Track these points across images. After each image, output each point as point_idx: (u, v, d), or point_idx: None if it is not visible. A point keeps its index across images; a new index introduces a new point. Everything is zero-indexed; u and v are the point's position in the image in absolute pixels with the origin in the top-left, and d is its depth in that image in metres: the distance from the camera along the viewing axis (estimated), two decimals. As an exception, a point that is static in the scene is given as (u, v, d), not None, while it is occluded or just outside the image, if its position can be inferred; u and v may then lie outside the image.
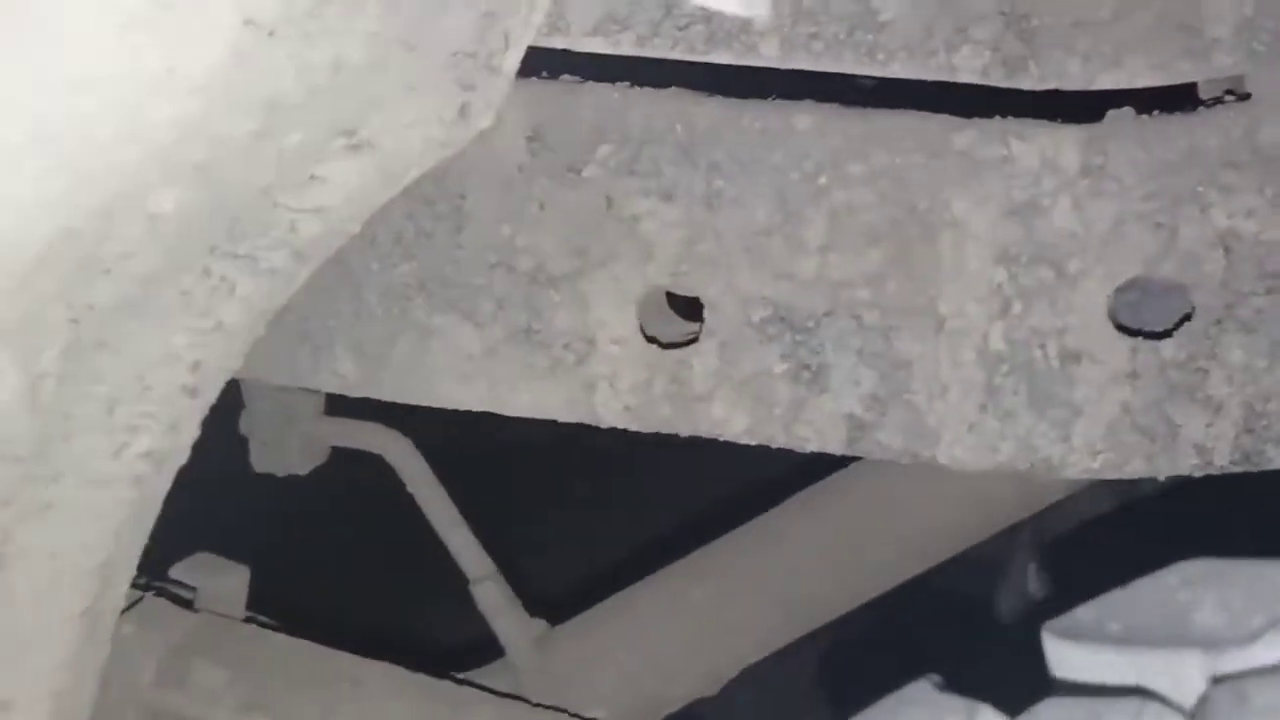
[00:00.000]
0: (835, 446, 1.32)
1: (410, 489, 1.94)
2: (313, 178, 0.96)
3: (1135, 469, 1.27)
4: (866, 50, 1.19)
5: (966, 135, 1.24)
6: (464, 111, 0.94)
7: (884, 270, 1.27)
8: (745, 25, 1.15)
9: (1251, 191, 1.19)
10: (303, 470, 1.91)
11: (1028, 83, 1.18)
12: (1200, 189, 1.19)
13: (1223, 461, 1.22)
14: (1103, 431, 1.25)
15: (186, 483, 1.14)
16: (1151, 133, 1.21)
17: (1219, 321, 1.21)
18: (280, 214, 0.97)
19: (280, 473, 1.94)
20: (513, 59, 1.03)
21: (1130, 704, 1.05)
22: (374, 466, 1.96)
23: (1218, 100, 1.20)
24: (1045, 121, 1.23)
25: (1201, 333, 1.21)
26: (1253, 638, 1.06)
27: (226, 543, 1.82)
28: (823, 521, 1.91)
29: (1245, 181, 1.18)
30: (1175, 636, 1.11)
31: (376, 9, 0.89)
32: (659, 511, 2.29)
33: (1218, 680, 1.03)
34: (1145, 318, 1.24)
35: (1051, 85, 1.19)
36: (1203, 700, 1.03)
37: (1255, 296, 1.20)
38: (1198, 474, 1.24)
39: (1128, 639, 1.14)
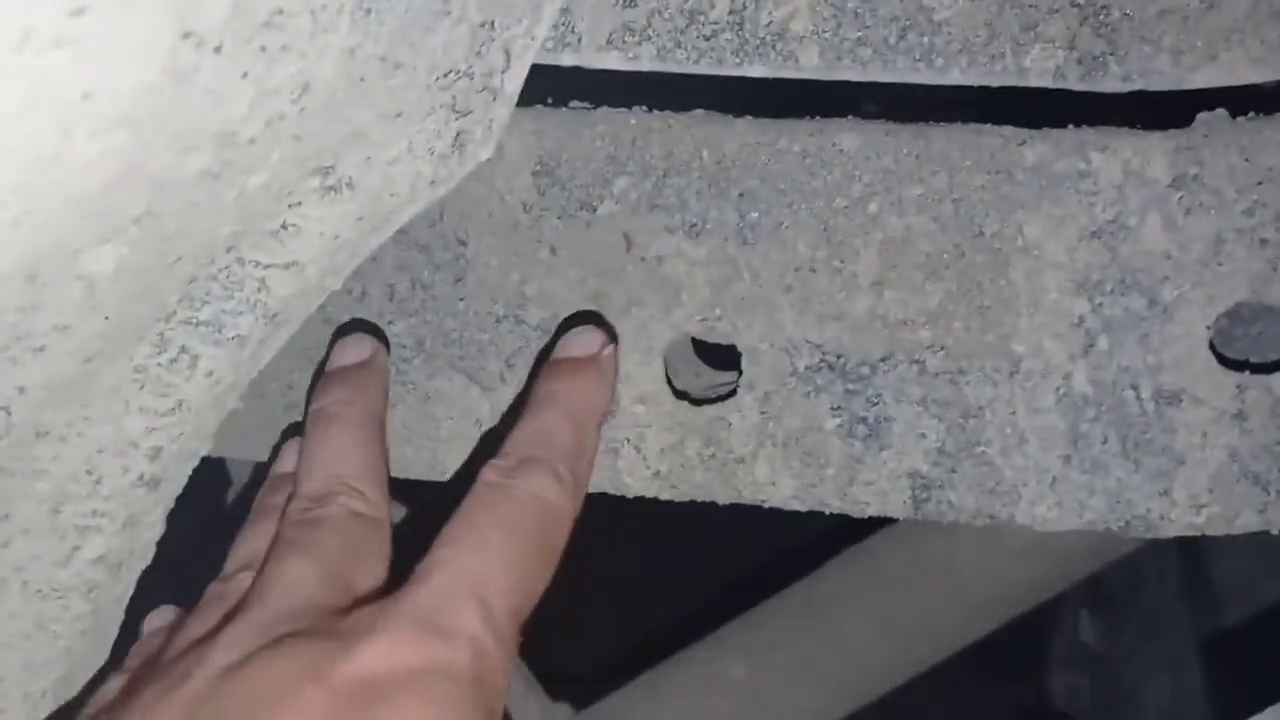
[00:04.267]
0: (899, 510, 1.17)
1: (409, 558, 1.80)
2: (283, 226, 0.82)
3: (1246, 523, 1.12)
4: (921, 55, 1.05)
5: (1037, 149, 1.09)
6: (459, 142, 0.80)
7: (948, 307, 1.12)
8: (781, 31, 1.02)
9: (1374, 199, 1.05)
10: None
11: (1110, 84, 1.04)
12: None
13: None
14: (1208, 482, 1.10)
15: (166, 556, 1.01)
16: (1253, 137, 1.05)
17: (1341, 350, 1.07)
18: (247, 270, 0.83)
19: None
20: (515, 78, 0.89)
21: None
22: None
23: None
24: (1129, 129, 1.10)
25: None
26: None
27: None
28: (874, 583, 1.76)
29: None
30: None
31: (351, 20, 0.76)
32: (695, 572, 2.14)
33: None
34: (1253, 349, 1.10)
35: (1138, 86, 1.03)
36: None
37: (1381, 320, 1.06)
38: (1328, 524, 1.10)
39: None
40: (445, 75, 0.79)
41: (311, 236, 0.79)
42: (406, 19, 0.77)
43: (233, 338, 0.81)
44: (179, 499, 1.01)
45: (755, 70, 1.01)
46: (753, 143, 1.10)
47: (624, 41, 1.01)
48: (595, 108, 1.13)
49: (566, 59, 0.99)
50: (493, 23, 0.81)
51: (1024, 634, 2.16)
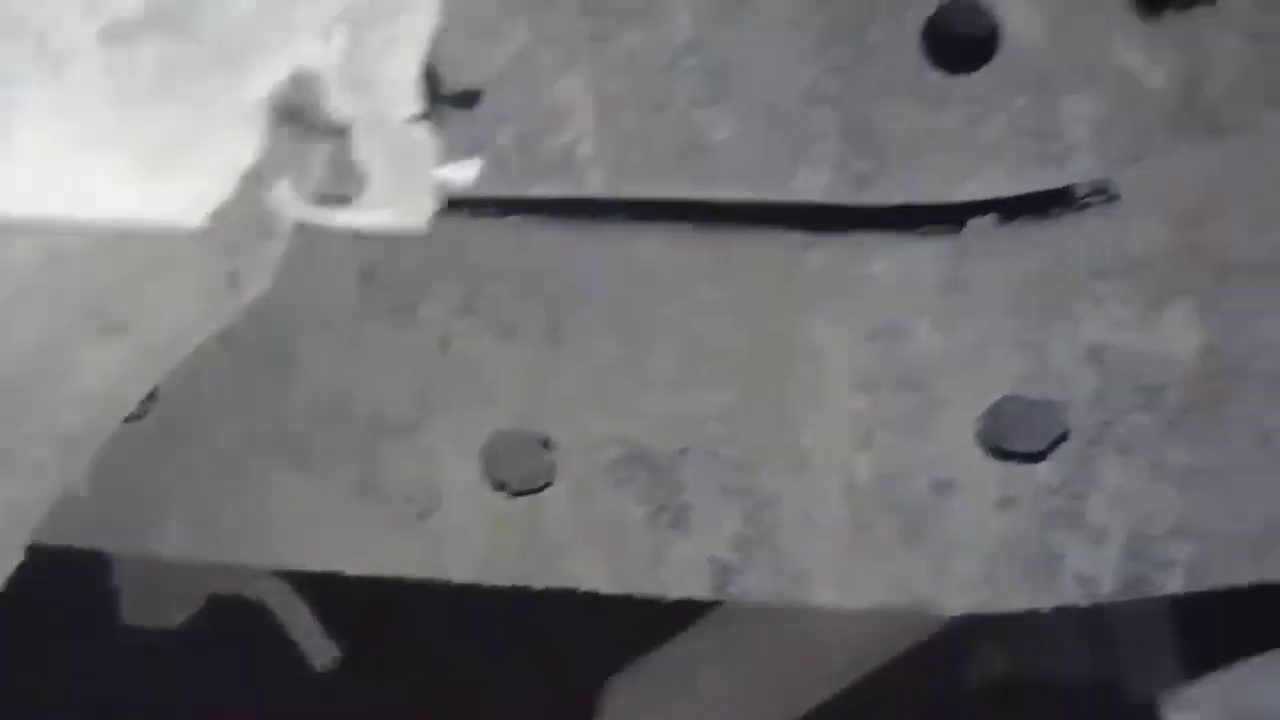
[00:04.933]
0: (703, 592, 1.24)
1: (294, 638, 1.85)
2: (68, 364, 0.88)
3: (1017, 603, 1.19)
4: (700, 175, 1.12)
5: (820, 254, 1.16)
6: (233, 281, 0.87)
7: (741, 403, 1.19)
8: (568, 155, 1.09)
9: (1122, 302, 1.13)
10: (174, 621, 1.82)
11: (878, 198, 1.13)
12: (1067, 302, 1.14)
13: (1108, 590, 1.15)
14: (980, 565, 1.17)
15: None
16: (1014, 244, 1.13)
17: (1095, 442, 1.12)
18: (35, 404, 0.90)
19: (152, 624, 1.85)
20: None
21: None
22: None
23: (1083, 204, 1.15)
24: (905, 235, 1.18)
25: (1077, 455, 1.13)
26: None
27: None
28: (734, 643, 1.82)
29: (1115, 291, 1.11)
30: None
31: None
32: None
33: None
34: (1018, 441, 1.18)
35: (902, 200, 1.13)
36: None
37: (1131, 414, 1.12)
38: (1083, 604, 1.18)
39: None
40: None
41: (95, 373, 0.85)
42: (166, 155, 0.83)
43: (29, 467, 0.87)
44: None
45: (543, 191, 1.08)
46: (561, 248, 1.17)
47: (411, 171, 1.07)
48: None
49: (354, 191, 1.06)
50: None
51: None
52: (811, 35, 1.04)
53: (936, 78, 1.05)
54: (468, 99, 1.05)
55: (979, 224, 1.12)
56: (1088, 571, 1.12)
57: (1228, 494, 1.08)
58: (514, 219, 1.17)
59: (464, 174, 0.80)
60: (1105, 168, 1.04)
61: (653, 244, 1.15)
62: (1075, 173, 1.04)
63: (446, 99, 1.01)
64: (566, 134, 1.06)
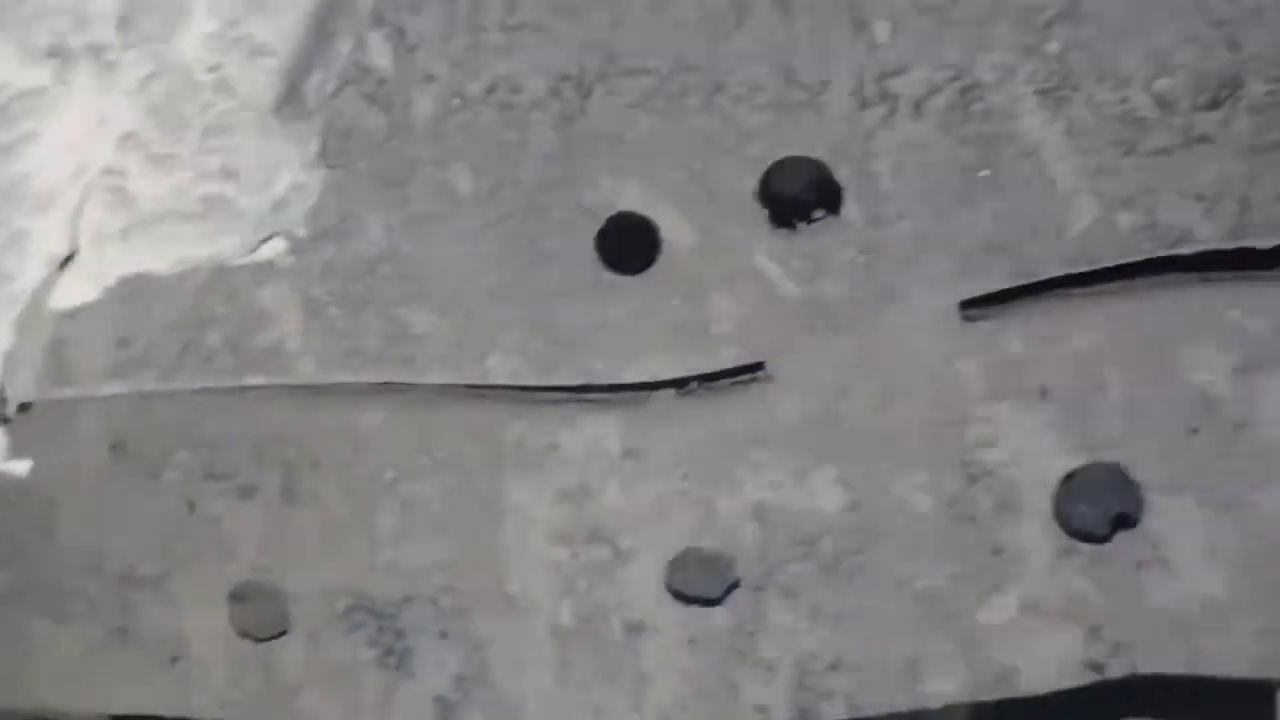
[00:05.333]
0: (426, 727, 1.37)
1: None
2: None
3: None
4: (404, 361, 1.26)
5: (519, 426, 1.28)
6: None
7: (455, 556, 1.30)
8: (276, 349, 1.22)
9: (776, 466, 1.28)
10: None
11: (560, 380, 1.27)
12: (730, 466, 1.28)
13: (782, 719, 1.30)
14: (670, 698, 1.31)
15: None
16: (684, 415, 1.28)
17: (761, 588, 1.27)
18: None
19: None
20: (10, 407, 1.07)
21: None
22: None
23: (748, 378, 1.30)
24: (593, 406, 1.32)
25: (747, 599, 1.28)
26: None
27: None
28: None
29: (771, 457, 1.27)
30: None
31: None
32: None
33: None
34: (698, 587, 1.32)
35: (580, 382, 1.27)
36: None
37: (791, 563, 1.27)
38: (763, 730, 1.32)
39: None
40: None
41: None
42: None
43: None
44: None
45: (256, 380, 1.21)
46: (292, 417, 1.29)
47: (124, 372, 1.20)
48: (163, 390, 1.32)
49: (67, 392, 1.18)
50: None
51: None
52: (494, 245, 1.18)
53: (608, 278, 1.20)
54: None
55: (661, 396, 1.27)
56: (764, 702, 1.26)
57: (874, 632, 1.22)
58: (250, 391, 1.30)
59: (18, 469, 0.93)
60: (751, 355, 1.19)
61: (374, 416, 1.28)
62: (725, 360, 1.19)
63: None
64: (273, 333, 1.19)
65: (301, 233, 1.09)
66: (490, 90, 1.15)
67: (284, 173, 0.98)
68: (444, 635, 1.30)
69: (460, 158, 1.15)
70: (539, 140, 1.16)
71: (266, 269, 1.14)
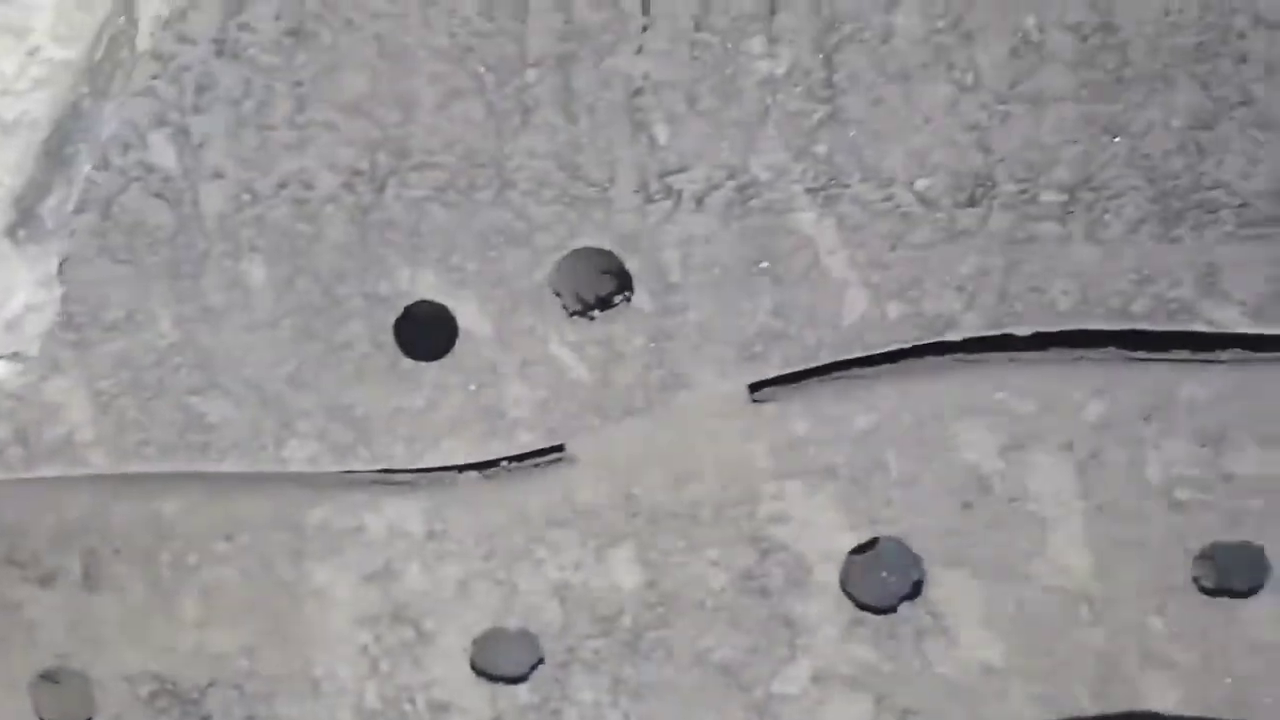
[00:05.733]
0: (237, 805, 1.38)
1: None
2: None
3: None
4: (200, 450, 1.26)
5: (321, 510, 1.29)
6: None
7: (258, 641, 1.30)
8: (67, 441, 1.22)
9: (576, 546, 1.31)
10: None
11: (359, 465, 1.29)
12: (531, 546, 1.31)
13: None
14: None
15: None
16: (486, 497, 1.31)
17: (565, 665, 1.30)
18: None
19: None
20: None
21: None
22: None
23: (550, 459, 1.33)
24: (396, 489, 1.33)
25: (551, 676, 1.31)
26: None
27: None
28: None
29: (570, 537, 1.31)
30: None
31: None
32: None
33: None
34: (502, 666, 1.35)
35: (381, 466, 1.30)
36: None
37: (593, 640, 1.30)
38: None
39: None
40: None
41: None
42: None
43: None
44: None
45: (49, 472, 1.21)
46: (91, 505, 1.29)
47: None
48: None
49: None
50: None
51: None
52: (289, 334, 1.20)
53: (406, 365, 1.22)
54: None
55: (467, 478, 1.30)
56: (555, 779, 1.29)
57: (674, 703, 1.26)
58: (48, 479, 1.29)
59: None
60: (547, 440, 1.22)
61: (175, 503, 1.28)
62: (522, 444, 1.22)
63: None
64: (63, 426, 1.19)
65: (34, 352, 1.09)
66: (282, 186, 1.17)
67: (18, 293, 0.99)
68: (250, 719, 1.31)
69: (253, 250, 1.17)
70: (334, 232, 1.18)
71: (50, 364, 1.14)
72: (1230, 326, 1.13)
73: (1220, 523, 1.19)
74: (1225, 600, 1.21)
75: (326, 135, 1.15)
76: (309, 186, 1.16)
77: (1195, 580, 1.21)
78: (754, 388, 1.23)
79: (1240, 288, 1.13)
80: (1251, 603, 1.21)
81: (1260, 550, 1.20)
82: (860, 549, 1.27)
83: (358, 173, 1.16)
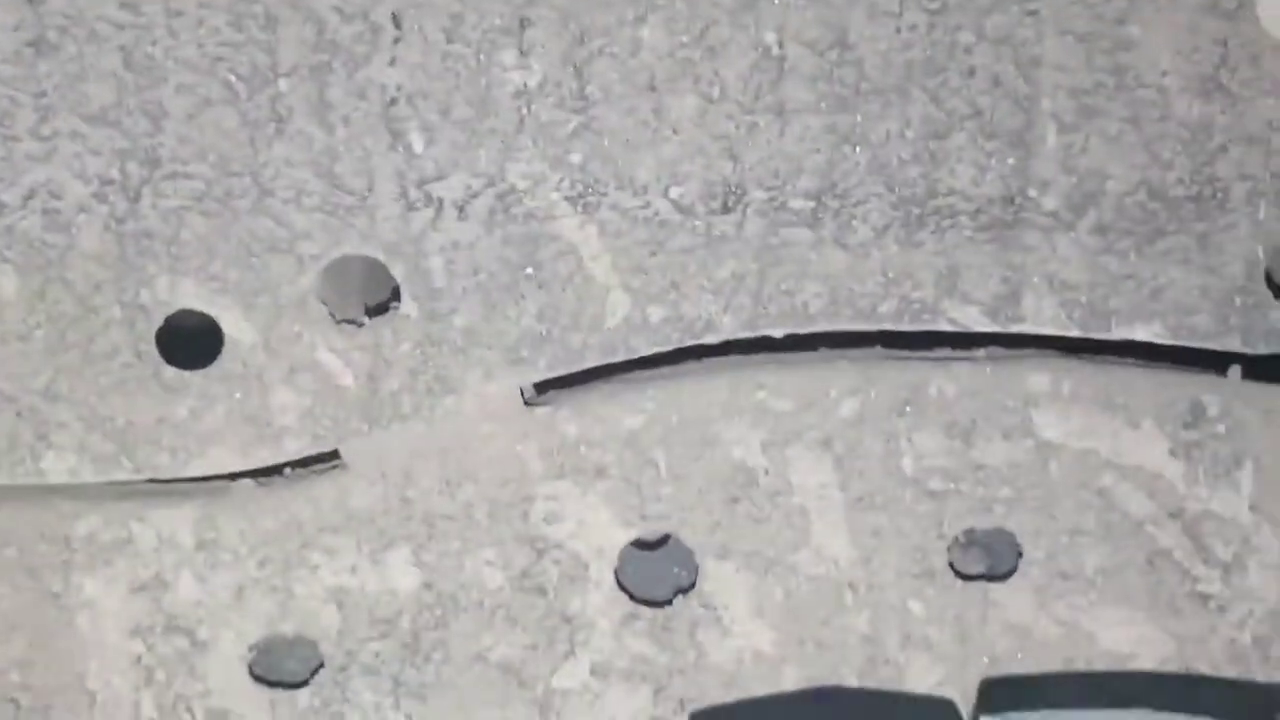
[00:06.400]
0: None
1: None
2: None
3: None
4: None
5: (88, 522, 1.26)
6: None
7: (31, 655, 1.29)
8: None
9: (351, 550, 1.33)
10: None
11: (120, 475, 1.27)
12: (306, 552, 1.31)
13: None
14: None
15: None
16: (256, 505, 1.29)
17: (344, 668, 1.31)
18: None
19: None
20: None
21: None
22: None
23: (324, 467, 1.34)
24: (164, 500, 1.30)
25: (332, 679, 1.31)
26: None
27: None
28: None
29: (344, 542, 1.31)
30: None
31: None
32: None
33: None
34: (282, 672, 1.36)
35: (146, 477, 1.27)
36: None
37: (372, 643, 1.32)
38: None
39: None
40: None
41: None
42: None
43: None
44: None
45: None
46: None
47: None
48: None
49: None
50: None
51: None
52: (44, 345, 1.19)
53: (170, 375, 1.22)
54: None
55: (240, 486, 1.30)
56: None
57: (456, 703, 1.28)
58: None
59: None
60: (315, 446, 1.23)
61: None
62: (290, 451, 1.22)
63: None
64: None
65: None
66: (29, 197, 1.16)
67: None
68: (26, 737, 1.30)
69: (3, 261, 1.15)
70: (88, 242, 1.17)
71: None
72: (970, 325, 1.19)
73: (972, 510, 1.26)
74: (980, 584, 1.28)
75: (73, 145, 1.14)
76: (58, 196, 1.15)
77: (951, 566, 1.27)
78: (541, 390, 1.27)
79: (978, 288, 1.19)
80: (1004, 586, 1.28)
81: (1012, 536, 1.28)
82: (651, 545, 1.31)
83: (109, 182, 1.15)
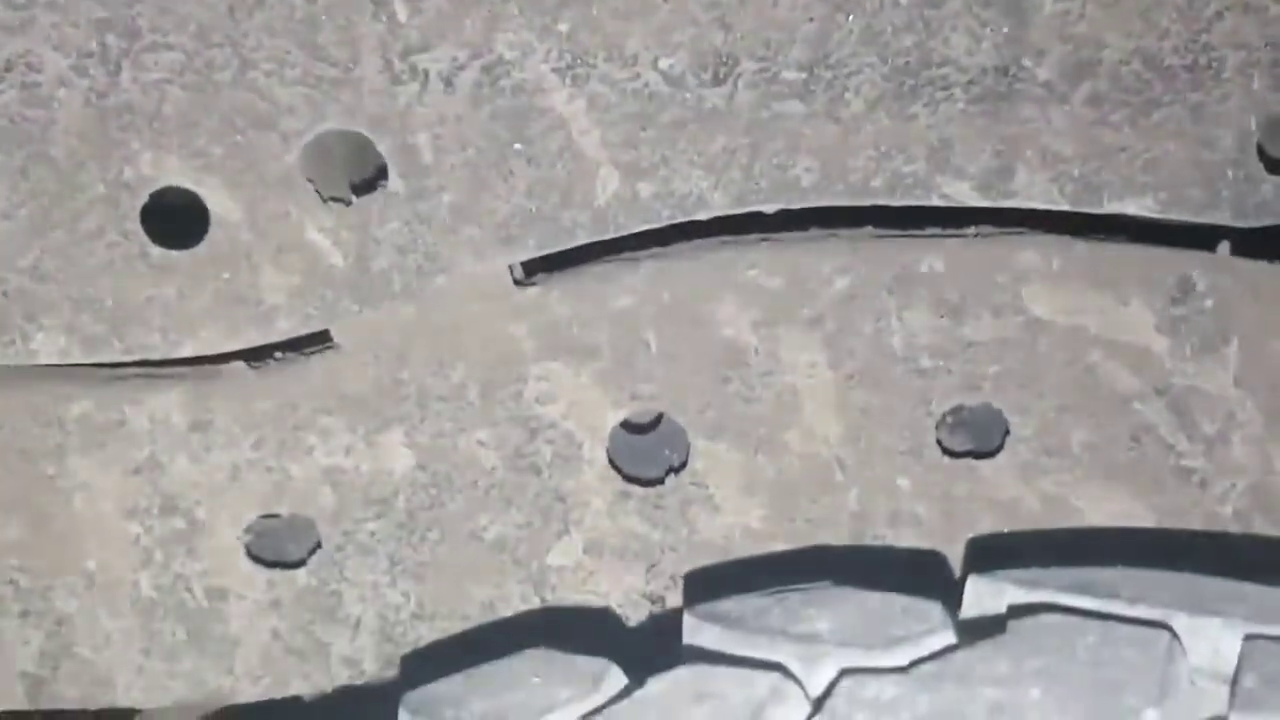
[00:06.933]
0: (18, 703, 1.33)
1: None
2: None
3: (297, 688, 1.30)
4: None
5: (82, 404, 1.19)
6: None
7: (28, 537, 1.24)
8: None
9: (345, 431, 1.26)
10: None
11: (110, 356, 1.19)
12: (300, 434, 1.24)
13: (370, 670, 1.32)
14: (259, 658, 1.27)
15: None
16: (249, 387, 1.22)
17: (341, 548, 1.26)
18: None
19: None
20: None
21: (767, 677, 1.04)
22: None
23: (317, 348, 1.29)
24: (157, 382, 1.22)
25: (329, 559, 1.25)
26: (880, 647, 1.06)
27: None
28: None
29: (338, 424, 1.23)
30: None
31: None
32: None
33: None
34: (283, 551, 1.29)
35: (138, 356, 1.21)
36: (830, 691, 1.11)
37: (368, 523, 1.26)
38: (356, 683, 1.34)
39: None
40: None
41: None
42: None
43: None
44: None
45: None
46: None
47: None
48: None
49: None
50: None
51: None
52: (29, 224, 1.13)
53: (157, 254, 1.16)
54: None
55: (232, 369, 1.24)
56: (352, 655, 1.26)
57: (452, 581, 1.24)
58: None
59: None
60: (306, 326, 1.17)
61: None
62: (280, 331, 1.16)
63: None
64: None
65: None
66: (8, 69, 1.08)
67: None
68: (25, 614, 1.25)
69: (-17, 138, 1.09)
70: (69, 117, 1.09)
71: None
72: (962, 200, 1.13)
73: (961, 387, 1.21)
74: (967, 461, 1.24)
75: (50, 15, 1.06)
76: (37, 70, 1.08)
77: (939, 443, 1.23)
78: (530, 272, 1.21)
79: (970, 162, 1.12)
80: (991, 462, 1.23)
81: (999, 412, 1.24)
82: (643, 429, 1.26)
83: (88, 54, 1.08)
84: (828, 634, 1.02)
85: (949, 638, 1.02)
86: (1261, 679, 0.96)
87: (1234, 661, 0.97)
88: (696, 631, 1.09)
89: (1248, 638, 0.96)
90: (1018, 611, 1.00)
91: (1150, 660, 0.94)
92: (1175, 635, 0.97)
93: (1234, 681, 0.97)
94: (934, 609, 1.02)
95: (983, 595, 1.00)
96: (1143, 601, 0.99)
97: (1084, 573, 1.02)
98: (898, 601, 1.04)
